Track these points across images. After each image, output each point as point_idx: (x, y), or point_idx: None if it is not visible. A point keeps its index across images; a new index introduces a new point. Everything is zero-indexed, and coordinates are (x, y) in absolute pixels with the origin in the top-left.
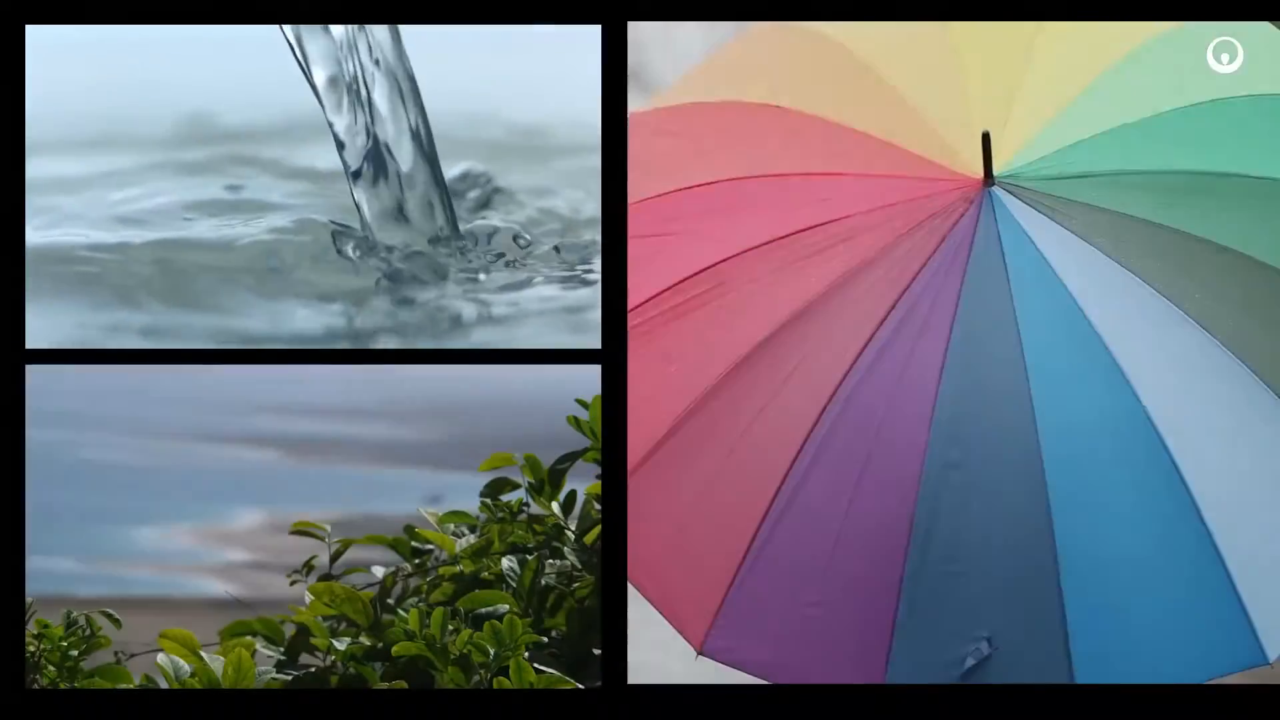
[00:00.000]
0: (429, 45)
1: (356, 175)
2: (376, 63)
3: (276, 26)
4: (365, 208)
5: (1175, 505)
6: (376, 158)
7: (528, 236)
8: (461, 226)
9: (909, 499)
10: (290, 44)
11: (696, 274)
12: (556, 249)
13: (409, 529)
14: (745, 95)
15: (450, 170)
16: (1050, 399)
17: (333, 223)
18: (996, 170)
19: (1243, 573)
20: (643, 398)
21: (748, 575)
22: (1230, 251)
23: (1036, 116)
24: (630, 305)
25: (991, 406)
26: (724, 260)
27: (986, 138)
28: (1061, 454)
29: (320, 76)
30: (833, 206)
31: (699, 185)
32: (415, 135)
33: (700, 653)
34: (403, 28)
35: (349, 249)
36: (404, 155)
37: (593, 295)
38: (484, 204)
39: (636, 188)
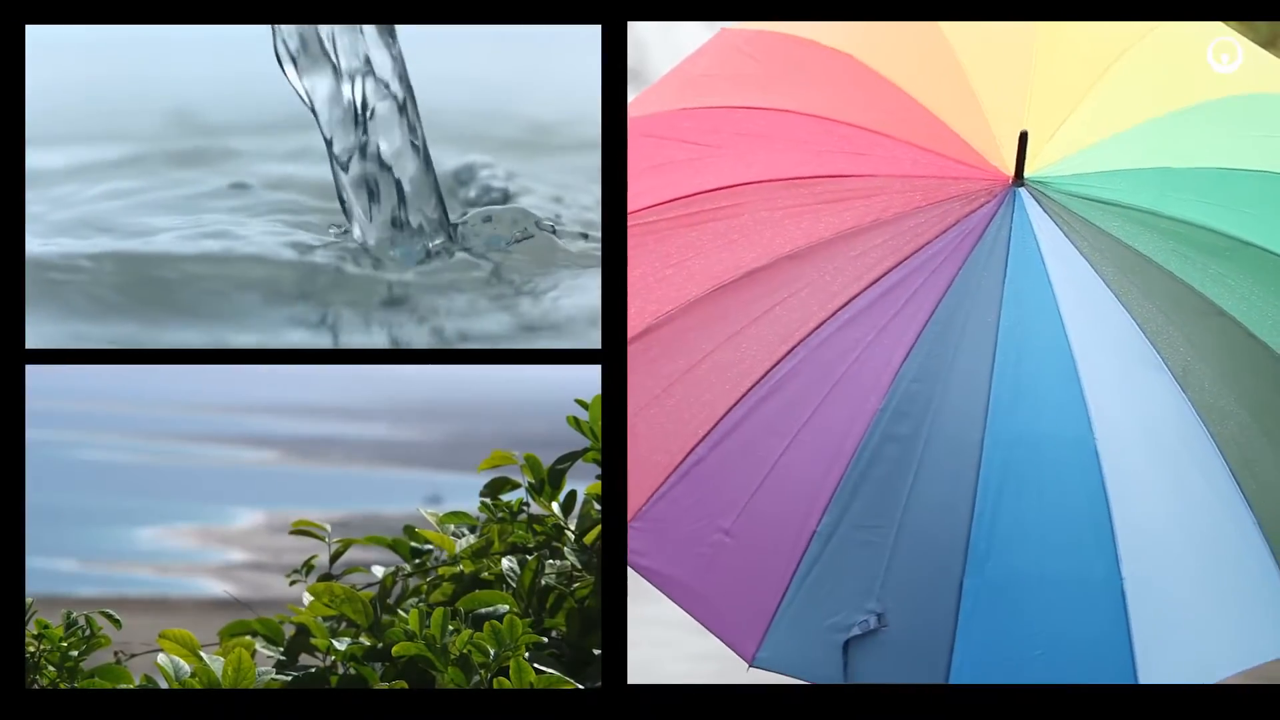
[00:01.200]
0: (450, 39)
1: (349, 184)
2: (373, 72)
3: (267, 28)
4: (356, 212)
5: (1095, 539)
6: (371, 170)
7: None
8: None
9: (843, 459)
10: (284, 48)
11: (719, 189)
12: (584, 236)
13: (409, 529)
14: (827, 39)
15: (467, 161)
16: (1007, 404)
17: (333, 227)
18: (1031, 173)
19: (1139, 612)
20: (631, 291)
21: (674, 487)
22: (1228, 317)
23: (1086, 135)
24: (653, 201)
25: (948, 395)
26: (748, 183)
27: (1024, 137)
28: (1001, 460)
29: (317, 90)
30: (865, 162)
31: (750, 107)
32: (413, 146)
33: None
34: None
35: (350, 257)
36: (401, 162)
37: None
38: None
39: (700, 94)
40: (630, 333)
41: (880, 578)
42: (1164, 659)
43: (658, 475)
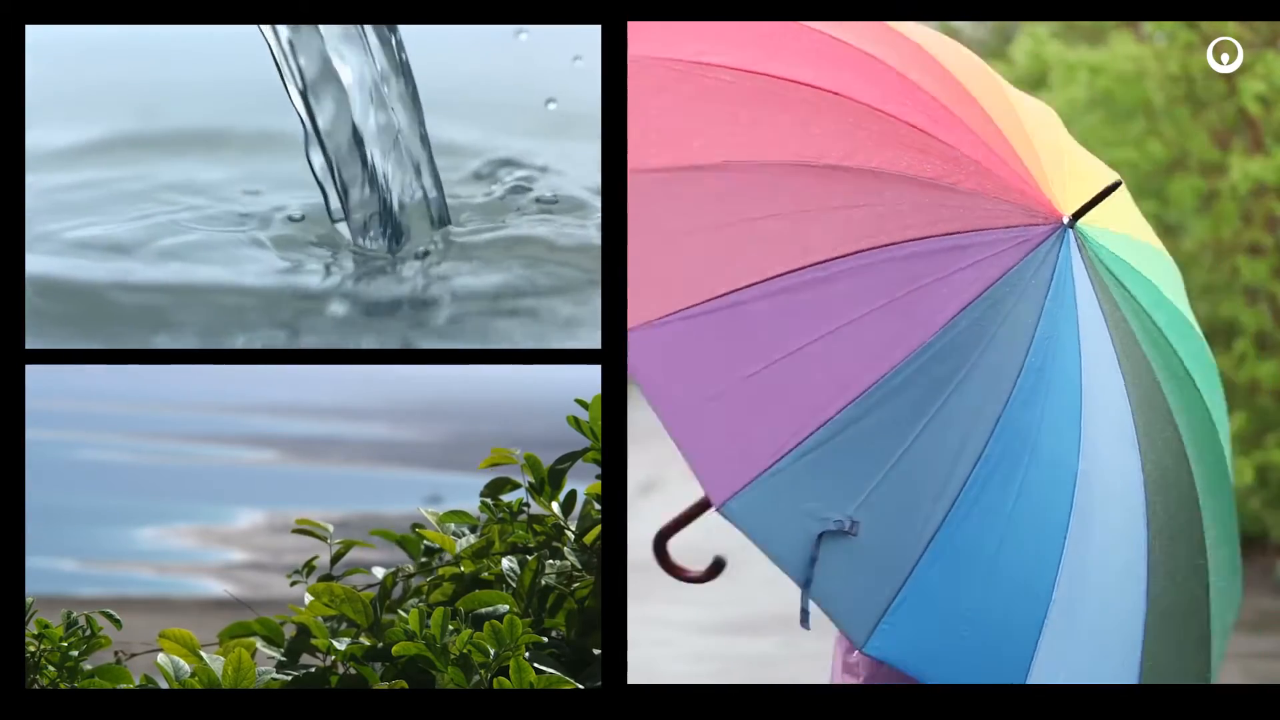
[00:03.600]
0: (479, 32)
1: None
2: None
3: (259, 31)
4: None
5: (1047, 553)
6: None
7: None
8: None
9: (885, 364)
10: (284, 67)
11: (802, 83)
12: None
13: (416, 528)
14: (897, 27)
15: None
16: (1024, 398)
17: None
18: (1080, 222)
19: (1050, 634)
20: (692, 129)
21: (704, 315)
22: (1176, 433)
23: (1111, 221)
24: (727, 63)
25: (983, 363)
26: (834, 92)
27: (1116, 185)
28: (1005, 444)
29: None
30: (947, 132)
31: (838, 39)
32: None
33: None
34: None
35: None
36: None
37: None
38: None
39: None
40: (688, 158)
41: (868, 491)
42: (1061, 658)
43: (683, 296)
